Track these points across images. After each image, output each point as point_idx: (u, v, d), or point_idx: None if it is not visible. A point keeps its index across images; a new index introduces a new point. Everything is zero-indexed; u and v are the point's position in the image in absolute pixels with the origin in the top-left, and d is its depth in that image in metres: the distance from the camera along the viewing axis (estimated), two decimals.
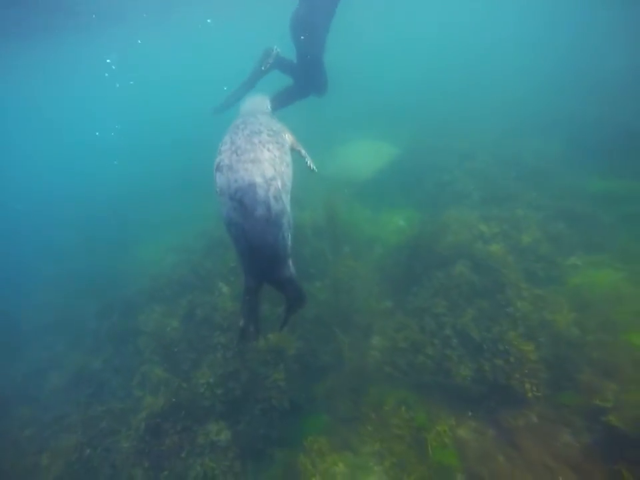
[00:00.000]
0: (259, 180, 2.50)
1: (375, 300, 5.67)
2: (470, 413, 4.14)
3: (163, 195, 12.11)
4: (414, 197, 7.73)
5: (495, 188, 6.96)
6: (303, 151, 3.57)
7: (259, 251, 2.56)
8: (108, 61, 20.50)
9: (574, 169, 7.18)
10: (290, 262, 2.81)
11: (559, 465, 3.44)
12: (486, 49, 18.92)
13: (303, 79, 4.93)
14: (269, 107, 3.92)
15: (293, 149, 3.35)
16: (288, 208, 2.72)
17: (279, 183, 2.62)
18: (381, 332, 5.27)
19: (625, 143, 7.22)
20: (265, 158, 2.63)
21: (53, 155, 33.16)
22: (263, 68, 4.88)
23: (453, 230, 5.72)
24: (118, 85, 30.56)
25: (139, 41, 20.57)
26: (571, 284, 5.10)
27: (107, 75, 25.74)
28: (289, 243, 2.72)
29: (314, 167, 3.74)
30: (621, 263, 5.24)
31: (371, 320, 5.41)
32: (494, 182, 7.11)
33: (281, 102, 4.78)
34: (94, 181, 17.42)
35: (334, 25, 4.90)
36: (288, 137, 3.31)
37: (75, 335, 7.67)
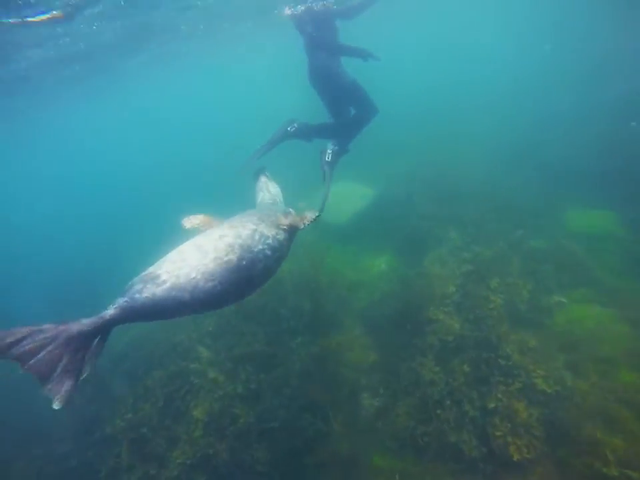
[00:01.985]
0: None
1: (362, 354, 5.44)
2: None
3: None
4: (394, 240, 7.67)
5: (475, 229, 6.96)
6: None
7: None
8: None
9: (550, 200, 7.30)
10: None
11: None
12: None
13: (360, 107, 5.14)
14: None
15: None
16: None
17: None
18: (369, 388, 5.03)
19: (600, 171, 7.42)
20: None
21: None
22: (289, 129, 5.11)
23: (436, 276, 5.67)
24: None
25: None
26: (558, 323, 5.00)
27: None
28: None
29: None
30: (605, 298, 5.19)
31: (357, 375, 5.18)
32: (474, 223, 7.11)
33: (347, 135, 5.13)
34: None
35: None
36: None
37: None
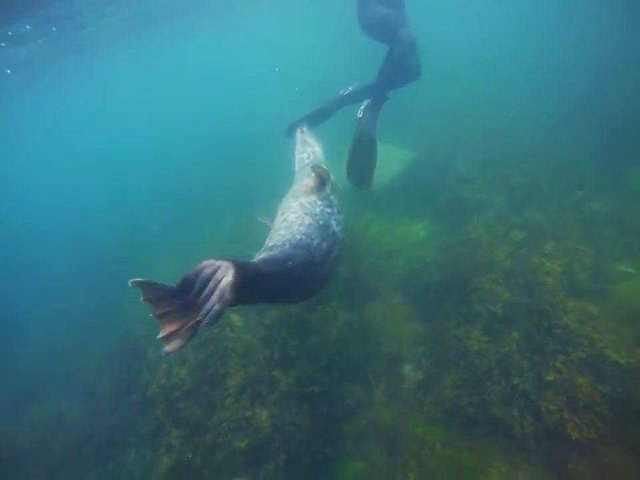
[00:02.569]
0: None
1: (403, 324, 5.18)
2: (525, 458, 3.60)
3: (172, 217, 11.84)
4: (432, 206, 7.22)
5: (523, 192, 6.38)
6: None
7: None
8: None
9: (608, 161, 6.54)
10: None
11: None
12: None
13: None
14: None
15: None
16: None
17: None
18: (411, 360, 4.80)
19: None
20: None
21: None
22: (342, 92, 4.78)
23: (483, 242, 5.23)
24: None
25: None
26: (623, 293, 4.50)
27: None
28: None
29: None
30: None
31: (398, 346, 4.95)
32: (521, 186, 6.51)
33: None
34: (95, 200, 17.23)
35: None
36: None
37: (79, 389, 7.27)
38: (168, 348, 1.51)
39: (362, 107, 4.60)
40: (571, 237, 5.09)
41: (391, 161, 8.83)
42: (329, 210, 2.71)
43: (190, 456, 4.14)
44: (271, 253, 2.04)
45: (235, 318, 5.47)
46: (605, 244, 5.03)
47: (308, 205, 2.70)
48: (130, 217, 13.63)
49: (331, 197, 2.94)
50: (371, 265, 6.23)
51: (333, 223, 2.64)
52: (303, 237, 2.27)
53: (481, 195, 6.71)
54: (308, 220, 2.48)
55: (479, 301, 4.65)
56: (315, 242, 2.28)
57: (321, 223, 2.51)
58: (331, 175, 3.28)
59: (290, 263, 1.97)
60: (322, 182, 3.03)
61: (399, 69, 4.36)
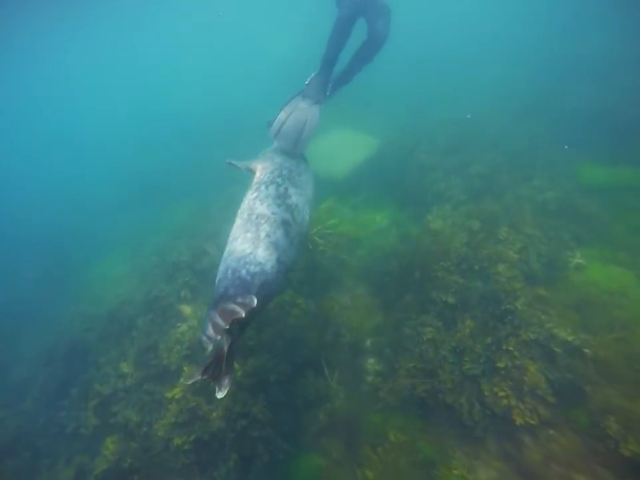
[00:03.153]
0: None
1: (365, 315, 5.08)
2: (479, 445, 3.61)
3: (123, 203, 11.11)
4: (394, 194, 7.15)
5: (482, 181, 6.44)
6: None
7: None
8: None
9: (563, 154, 6.75)
10: None
11: None
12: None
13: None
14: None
15: None
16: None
17: None
18: (374, 352, 4.71)
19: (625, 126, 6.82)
20: None
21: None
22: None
23: (441, 231, 5.22)
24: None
25: None
26: (574, 282, 4.64)
27: None
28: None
29: None
30: (623, 257, 4.83)
31: (362, 338, 4.85)
32: (480, 176, 6.56)
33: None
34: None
35: None
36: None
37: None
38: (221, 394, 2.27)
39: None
40: (525, 225, 5.16)
41: (355, 147, 8.69)
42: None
43: (128, 460, 3.80)
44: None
45: (185, 308, 5.14)
46: (556, 233, 5.15)
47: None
48: (79, 201, 12.72)
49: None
50: (332, 255, 6.07)
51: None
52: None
53: (442, 185, 6.70)
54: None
55: (435, 288, 4.63)
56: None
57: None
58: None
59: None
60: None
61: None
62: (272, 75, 15.61)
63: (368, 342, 4.87)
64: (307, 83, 4.17)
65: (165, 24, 28.04)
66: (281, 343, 4.52)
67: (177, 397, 4.18)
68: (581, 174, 6.28)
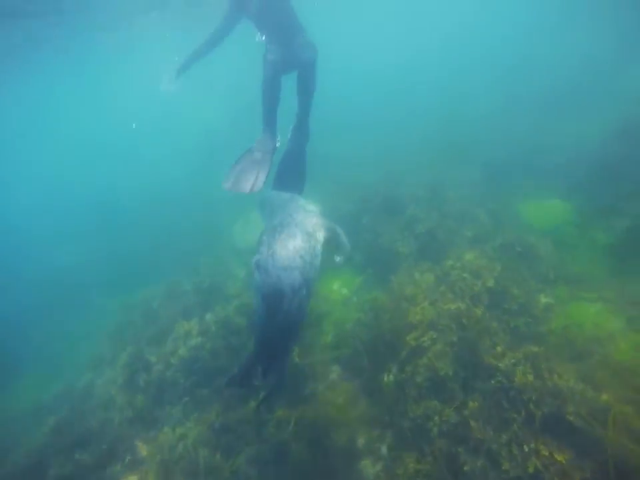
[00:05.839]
0: (287, 290, 2.95)
1: (349, 406, 4.42)
2: None
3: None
4: (349, 259, 6.81)
5: (430, 238, 6.33)
6: (342, 239, 3.98)
7: (268, 341, 3.03)
8: None
9: (501, 196, 7.04)
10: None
11: None
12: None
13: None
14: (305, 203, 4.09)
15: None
16: (307, 309, 3.22)
17: (305, 291, 3.07)
18: (369, 451, 4.03)
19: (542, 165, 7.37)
20: (296, 265, 3.07)
21: None
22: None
23: (405, 297, 4.93)
24: None
25: None
26: (556, 330, 4.44)
27: None
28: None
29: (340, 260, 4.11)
30: (589, 293, 4.82)
31: (352, 437, 4.16)
32: (429, 232, 6.44)
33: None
34: None
35: None
36: (321, 236, 3.64)
37: None
38: None
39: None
40: (491, 276, 5.01)
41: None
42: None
43: None
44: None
45: None
46: (518, 278, 5.06)
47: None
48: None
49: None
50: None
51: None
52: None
53: (391, 245, 6.46)
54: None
55: (418, 365, 4.15)
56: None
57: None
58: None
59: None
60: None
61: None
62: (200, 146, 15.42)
63: (360, 441, 4.18)
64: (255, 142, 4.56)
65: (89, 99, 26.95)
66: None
67: None
68: (520, 214, 6.54)
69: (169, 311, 6.95)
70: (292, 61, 4.61)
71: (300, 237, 3.28)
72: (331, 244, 3.82)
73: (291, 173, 4.60)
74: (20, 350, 8.49)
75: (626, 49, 11.26)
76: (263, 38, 4.69)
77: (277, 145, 4.65)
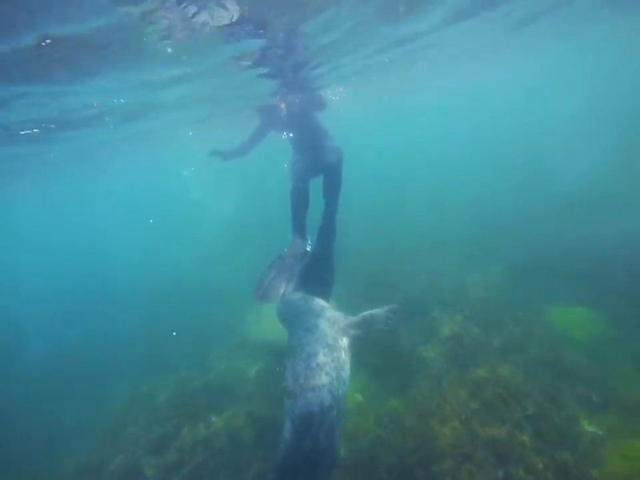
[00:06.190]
0: (316, 410, 2.90)
1: None
2: None
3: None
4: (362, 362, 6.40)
5: (456, 343, 6.02)
6: (374, 319, 3.70)
7: (291, 472, 2.84)
8: None
9: (526, 301, 6.80)
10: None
11: None
12: None
13: None
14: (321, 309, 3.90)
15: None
16: (337, 440, 2.98)
17: (335, 412, 2.96)
18: None
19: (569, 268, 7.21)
20: (323, 383, 3.01)
21: None
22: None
23: (429, 413, 4.49)
24: None
25: None
26: (613, 469, 3.86)
27: None
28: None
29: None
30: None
31: None
32: (454, 338, 6.16)
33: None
34: None
35: None
36: (345, 341, 3.52)
37: None
38: None
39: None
40: (528, 396, 4.58)
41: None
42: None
43: None
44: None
45: None
46: (562, 400, 4.60)
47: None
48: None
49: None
50: None
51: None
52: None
53: (412, 350, 6.12)
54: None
55: None
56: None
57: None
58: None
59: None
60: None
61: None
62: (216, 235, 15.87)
63: None
64: (286, 249, 4.54)
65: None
66: None
67: None
68: (550, 324, 6.21)
69: (174, 411, 6.44)
70: (319, 165, 4.88)
71: (321, 352, 3.23)
72: (368, 330, 3.68)
73: (317, 277, 4.54)
74: None
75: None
76: (291, 135, 5.20)
77: (307, 249, 4.67)
